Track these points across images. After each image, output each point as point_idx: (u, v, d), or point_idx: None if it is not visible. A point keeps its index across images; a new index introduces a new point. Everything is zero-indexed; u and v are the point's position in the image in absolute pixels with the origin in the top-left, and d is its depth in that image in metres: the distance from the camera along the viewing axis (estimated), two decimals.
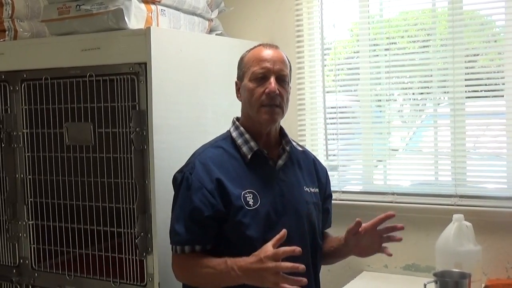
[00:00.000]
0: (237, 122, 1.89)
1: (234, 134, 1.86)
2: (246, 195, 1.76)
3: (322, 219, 1.97)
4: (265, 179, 1.82)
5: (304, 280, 1.57)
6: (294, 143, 1.95)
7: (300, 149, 1.98)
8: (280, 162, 1.86)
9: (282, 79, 1.82)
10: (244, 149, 1.83)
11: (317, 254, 1.90)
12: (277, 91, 1.78)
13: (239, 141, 1.84)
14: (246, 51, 1.90)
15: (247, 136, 1.84)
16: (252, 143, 1.83)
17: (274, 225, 1.77)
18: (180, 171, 1.83)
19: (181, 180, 1.79)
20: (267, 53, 1.83)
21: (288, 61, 1.89)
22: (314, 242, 1.88)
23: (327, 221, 2.03)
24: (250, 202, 1.76)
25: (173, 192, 1.84)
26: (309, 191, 1.91)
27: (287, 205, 1.82)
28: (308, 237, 1.86)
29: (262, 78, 1.80)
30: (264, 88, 1.78)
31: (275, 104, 1.79)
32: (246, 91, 1.83)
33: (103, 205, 2.13)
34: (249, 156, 1.82)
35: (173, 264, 1.82)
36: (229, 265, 1.65)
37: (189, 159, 1.85)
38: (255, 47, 1.90)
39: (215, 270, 1.68)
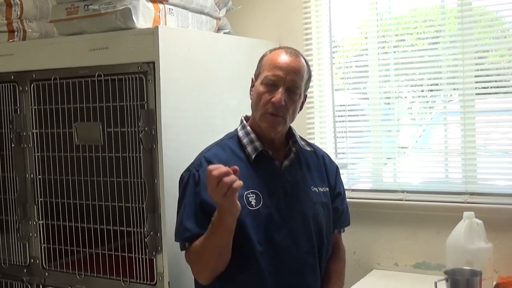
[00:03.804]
0: (244, 121, 1.89)
1: (241, 134, 1.86)
2: (248, 195, 1.76)
3: (333, 219, 1.95)
4: (269, 179, 1.81)
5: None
6: (303, 143, 1.94)
7: (309, 149, 1.95)
8: (286, 162, 1.85)
9: (293, 91, 1.79)
10: (249, 149, 1.82)
11: (323, 254, 1.89)
12: (283, 103, 1.75)
13: (245, 140, 1.84)
14: (269, 50, 1.87)
15: (252, 136, 1.83)
16: (257, 143, 1.82)
17: (279, 226, 1.77)
18: (187, 169, 1.83)
19: (188, 178, 1.78)
20: (284, 60, 1.79)
21: (308, 68, 1.85)
22: (321, 243, 1.87)
23: (339, 221, 1.99)
24: (253, 203, 1.76)
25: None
26: (317, 191, 1.89)
27: (292, 206, 1.81)
28: (315, 238, 1.84)
29: (272, 85, 1.77)
30: (271, 97, 1.76)
31: (279, 114, 1.77)
32: (255, 93, 1.82)
33: (112, 205, 2.13)
34: (253, 156, 1.81)
35: (187, 261, 1.80)
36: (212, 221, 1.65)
37: (195, 157, 1.85)
38: (277, 49, 1.87)
39: (206, 233, 1.68)
